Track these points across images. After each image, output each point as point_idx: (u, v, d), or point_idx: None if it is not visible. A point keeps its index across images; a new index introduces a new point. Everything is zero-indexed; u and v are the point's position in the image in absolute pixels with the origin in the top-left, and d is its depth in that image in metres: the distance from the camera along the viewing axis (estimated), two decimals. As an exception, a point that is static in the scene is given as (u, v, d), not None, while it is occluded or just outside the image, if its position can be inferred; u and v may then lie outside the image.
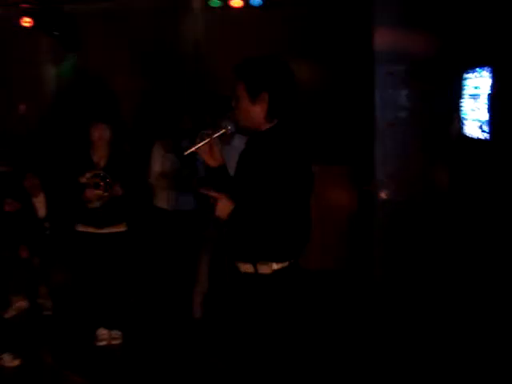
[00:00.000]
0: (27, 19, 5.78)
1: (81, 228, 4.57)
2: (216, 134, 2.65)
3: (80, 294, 4.77)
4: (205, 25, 6.15)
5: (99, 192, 4.38)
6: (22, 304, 5.27)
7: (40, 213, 5.20)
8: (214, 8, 5.81)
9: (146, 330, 4.90)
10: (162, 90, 6.17)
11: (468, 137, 4.36)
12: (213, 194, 2.54)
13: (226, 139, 4.34)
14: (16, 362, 4.40)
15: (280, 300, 2.62)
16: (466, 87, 4.37)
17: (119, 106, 5.55)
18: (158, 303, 5.18)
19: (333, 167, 5.87)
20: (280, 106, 2.59)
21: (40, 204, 5.18)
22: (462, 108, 4.48)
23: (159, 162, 5.08)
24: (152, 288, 5.31)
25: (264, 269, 2.60)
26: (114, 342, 4.66)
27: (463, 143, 4.50)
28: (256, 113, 2.58)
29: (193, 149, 2.65)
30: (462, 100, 4.47)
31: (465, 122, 4.39)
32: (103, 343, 4.65)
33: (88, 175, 4.43)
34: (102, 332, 4.68)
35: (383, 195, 5.16)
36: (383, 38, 5.01)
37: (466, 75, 4.36)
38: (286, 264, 2.60)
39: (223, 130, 2.68)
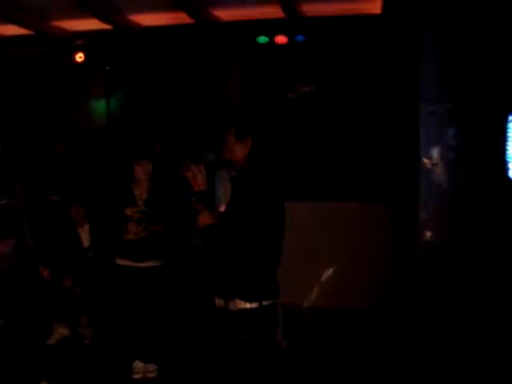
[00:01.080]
0: (80, 54, 5.98)
1: (120, 261, 4.67)
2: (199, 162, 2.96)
3: (118, 326, 4.83)
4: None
5: (139, 228, 4.49)
6: (63, 331, 5.38)
7: (84, 243, 5.32)
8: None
9: (181, 365, 4.91)
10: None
11: (512, 180, 4.24)
12: (199, 206, 2.82)
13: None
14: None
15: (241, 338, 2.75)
16: (511, 129, 4.25)
17: (162, 143, 5.65)
18: (192, 337, 5.18)
19: (376, 205, 5.82)
20: (260, 151, 2.85)
21: (85, 234, 5.31)
22: (507, 151, 4.36)
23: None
24: (186, 322, 5.32)
25: (231, 306, 2.74)
26: (149, 376, 4.68)
27: (508, 186, 4.38)
28: (237, 151, 2.85)
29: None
30: (507, 143, 4.35)
31: (509, 165, 4.27)
32: (139, 376, 4.68)
33: (132, 209, 4.55)
34: (138, 365, 4.71)
35: (426, 236, 5.04)
36: (429, 75, 4.96)
37: (511, 117, 4.25)
38: (253, 305, 2.71)
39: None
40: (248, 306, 2.74)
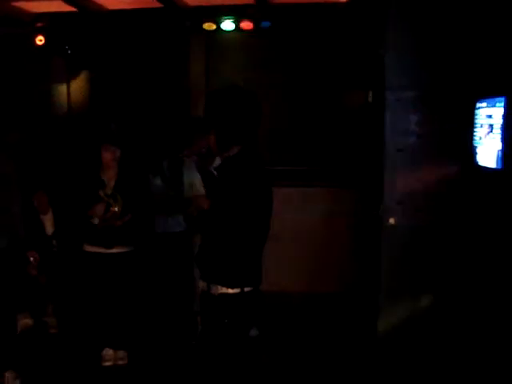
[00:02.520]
0: (41, 37, 5.83)
1: (88, 248, 4.60)
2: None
3: (86, 314, 4.76)
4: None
5: (107, 214, 4.44)
6: (27, 322, 5.26)
7: (48, 230, 5.20)
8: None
9: (151, 351, 4.88)
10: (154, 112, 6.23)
11: (479, 166, 4.37)
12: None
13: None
14: (17, 382, 4.39)
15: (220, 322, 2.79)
16: (478, 116, 4.39)
17: (129, 128, 5.58)
18: (161, 323, 5.16)
19: (343, 191, 5.91)
20: (225, 140, 2.87)
21: (48, 221, 5.18)
22: (474, 137, 4.50)
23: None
24: (154, 308, 5.30)
25: (213, 290, 2.80)
26: (119, 363, 4.66)
27: (474, 172, 4.52)
28: (211, 143, 2.92)
29: None
30: (474, 129, 4.49)
31: (477, 150, 4.41)
32: (109, 363, 4.66)
33: (102, 193, 4.48)
34: (108, 352, 4.69)
35: (391, 221, 5.15)
36: (394, 64, 5.05)
37: (478, 104, 4.38)
38: (234, 290, 2.76)
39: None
40: (230, 291, 2.76)
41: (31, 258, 4.59)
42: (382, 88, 5.10)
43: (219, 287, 2.79)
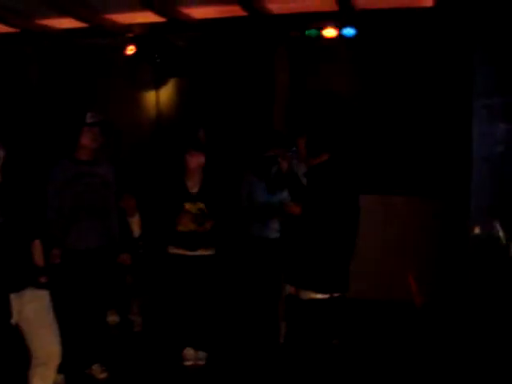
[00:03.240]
0: (131, 47, 6.06)
1: (172, 250, 4.74)
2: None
3: (169, 313, 4.90)
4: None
5: (194, 225, 4.59)
6: (113, 318, 5.48)
7: (135, 232, 5.39)
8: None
9: (231, 353, 4.97)
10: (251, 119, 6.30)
11: None
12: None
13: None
14: (104, 375, 4.59)
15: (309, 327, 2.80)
16: None
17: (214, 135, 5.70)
18: (243, 327, 5.23)
19: (429, 200, 5.80)
20: (316, 146, 2.87)
21: (135, 224, 5.37)
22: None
23: (248, 189, 5.13)
24: (238, 312, 5.37)
25: (302, 295, 2.79)
26: (199, 363, 4.77)
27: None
28: (301, 147, 2.93)
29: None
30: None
31: None
32: (190, 363, 4.78)
33: (190, 205, 4.62)
34: (189, 352, 4.82)
35: (477, 230, 5.00)
36: (483, 69, 4.92)
37: None
38: (324, 296, 2.77)
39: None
40: (319, 296, 2.75)
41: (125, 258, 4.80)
42: (469, 94, 4.98)
43: (308, 292, 2.80)
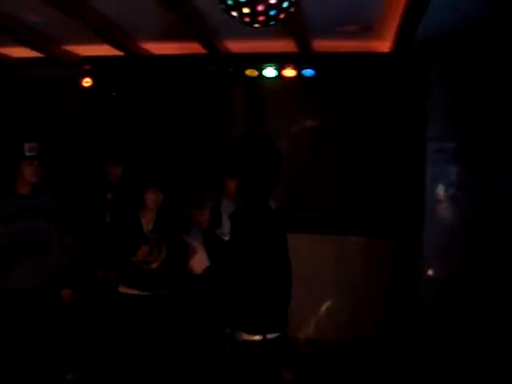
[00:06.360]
0: (88, 79, 5.99)
1: (123, 290, 4.60)
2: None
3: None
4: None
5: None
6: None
7: None
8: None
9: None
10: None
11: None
12: (192, 242, 2.81)
13: None
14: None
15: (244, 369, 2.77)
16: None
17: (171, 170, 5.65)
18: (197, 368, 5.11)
19: (382, 240, 5.88)
20: (248, 188, 2.84)
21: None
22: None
23: None
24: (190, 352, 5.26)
25: (237, 336, 2.78)
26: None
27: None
28: (232, 188, 2.88)
29: None
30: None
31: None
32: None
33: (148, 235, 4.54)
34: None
35: (430, 272, 5.09)
36: (435, 114, 5.06)
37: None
38: (258, 337, 2.73)
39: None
40: (252, 338, 2.73)
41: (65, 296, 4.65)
42: (423, 138, 5.11)
43: (242, 334, 2.76)
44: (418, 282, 5.16)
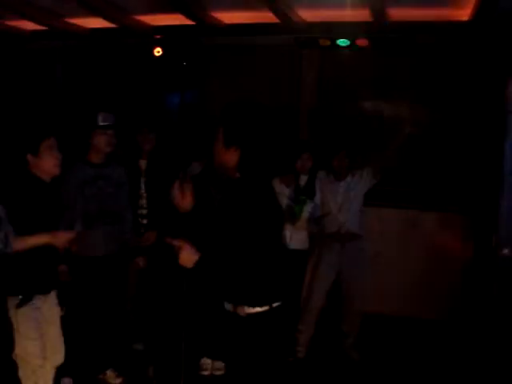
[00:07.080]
0: (158, 49, 6.00)
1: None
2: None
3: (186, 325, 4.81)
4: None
5: None
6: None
7: None
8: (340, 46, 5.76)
9: (249, 365, 4.86)
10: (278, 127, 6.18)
11: None
12: (176, 243, 2.56)
13: None
14: (118, 381, 4.55)
15: (253, 342, 2.68)
16: None
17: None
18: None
19: (455, 216, 5.71)
20: (250, 162, 2.63)
21: None
22: None
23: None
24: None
25: (240, 311, 2.67)
26: (216, 373, 4.69)
27: None
28: (227, 160, 2.63)
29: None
30: None
31: None
32: (207, 373, 4.73)
33: None
34: (206, 361, 4.78)
35: (505, 251, 4.89)
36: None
37: None
38: (262, 308, 2.64)
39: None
40: (258, 309, 2.66)
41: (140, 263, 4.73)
42: (503, 111, 4.88)
43: (246, 307, 2.68)
44: (493, 261, 4.96)
